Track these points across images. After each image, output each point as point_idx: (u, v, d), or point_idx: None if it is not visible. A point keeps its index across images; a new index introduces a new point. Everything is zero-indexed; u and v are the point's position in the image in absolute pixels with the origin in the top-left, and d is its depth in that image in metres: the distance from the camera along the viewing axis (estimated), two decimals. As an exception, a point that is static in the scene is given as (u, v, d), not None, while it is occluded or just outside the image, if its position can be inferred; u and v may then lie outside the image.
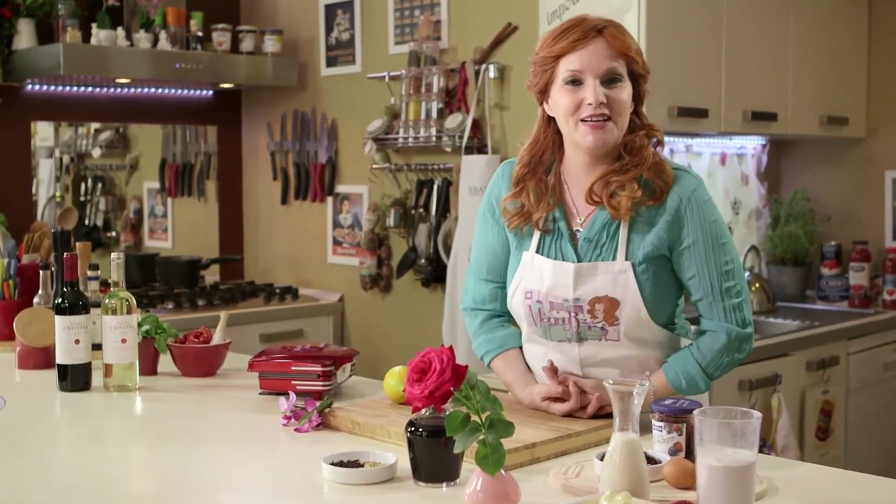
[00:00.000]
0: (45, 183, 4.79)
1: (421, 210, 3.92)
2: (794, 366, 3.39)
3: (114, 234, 4.89)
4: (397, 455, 1.71)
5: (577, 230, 2.01)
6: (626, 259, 1.95)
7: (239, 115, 4.80)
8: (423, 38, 3.85)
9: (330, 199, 4.40)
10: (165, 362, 2.59)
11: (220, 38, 4.23)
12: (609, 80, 1.94)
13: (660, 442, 1.72)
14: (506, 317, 2.19)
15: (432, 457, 1.64)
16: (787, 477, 1.70)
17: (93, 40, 3.88)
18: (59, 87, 4.23)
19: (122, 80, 4.10)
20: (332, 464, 1.70)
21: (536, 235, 2.04)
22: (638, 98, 2.02)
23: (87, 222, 4.83)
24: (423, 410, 1.59)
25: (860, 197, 4.31)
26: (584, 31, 1.95)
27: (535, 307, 2.01)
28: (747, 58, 3.62)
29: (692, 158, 4.08)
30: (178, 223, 4.90)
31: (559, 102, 1.97)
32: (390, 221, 4.00)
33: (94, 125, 4.71)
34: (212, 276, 4.71)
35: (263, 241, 4.76)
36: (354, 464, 1.72)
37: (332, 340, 4.30)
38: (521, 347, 2.14)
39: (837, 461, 3.59)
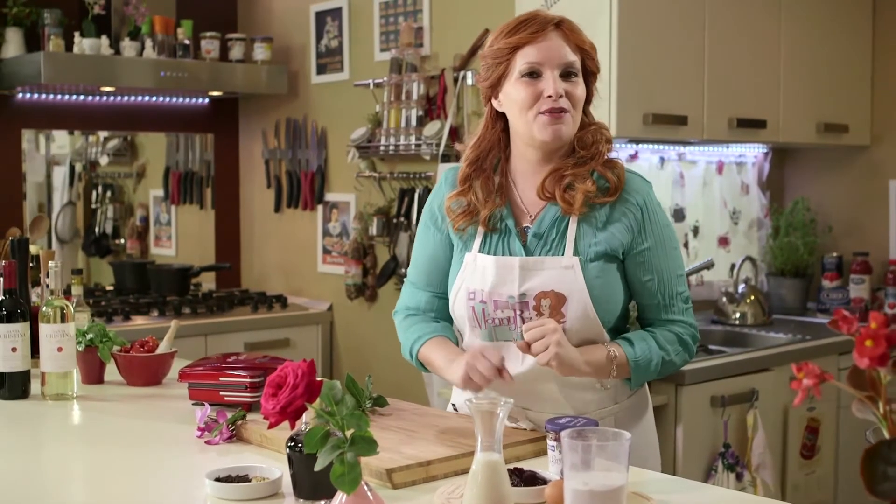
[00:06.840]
0: (59, 190, 4.83)
1: (402, 219, 3.86)
2: (774, 381, 3.25)
3: (121, 241, 4.92)
4: (284, 470, 1.66)
5: (527, 227, 1.97)
6: (575, 255, 1.90)
7: (236, 122, 4.78)
8: (404, 46, 3.80)
9: (320, 208, 4.36)
10: (115, 371, 2.57)
11: (209, 46, 4.21)
12: (566, 73, 1.92)
13: (553, 462, 1.65)
14: (443, 322, 2.10)
15: (311, 473, 1.58)
16: (684, 500, 1.62)
17: (75, 49, 3.88)
18: (51, 96, 4.23)
19: (107, 89, 4.09)
20: (219, 479, 1.67)
21: (481, 235, 1.98)
22: (588, 96, 1.99)
23: (96, 230, 4.87)
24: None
25: (863, 207, 4.18)
26: (542, 23, 1.92)
27: (478, 308, 1.94)
28: (733, 62, 3.50)
29: (686, 167, 3.97)
30: (182, 231, 4.90)
31: (515, 95, 1.92)
32: (373, 230, 3.95)
33: (104, 133, 4.73)
34: (209, 283, 4.71)
35: (258, 250, 4.74)
36: (243, 479, 1.68)
37: (321, 349, 4.26)
38: (454, 341, 2.05)
39: (825, 480, 3.46)
